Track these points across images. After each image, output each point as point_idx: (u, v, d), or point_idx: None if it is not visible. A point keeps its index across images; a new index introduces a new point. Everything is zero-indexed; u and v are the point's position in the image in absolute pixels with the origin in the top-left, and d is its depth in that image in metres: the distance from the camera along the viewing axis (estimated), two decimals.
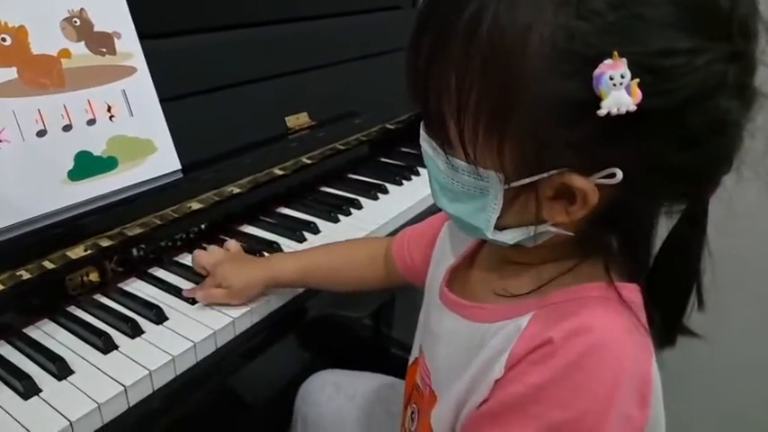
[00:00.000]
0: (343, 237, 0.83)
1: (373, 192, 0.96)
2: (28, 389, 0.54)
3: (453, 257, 0.54)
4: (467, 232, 0.45)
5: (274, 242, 0.81)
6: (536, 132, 0.35)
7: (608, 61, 0.32)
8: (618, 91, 0.32)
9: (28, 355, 0.59)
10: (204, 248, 0.73)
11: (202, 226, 0.82)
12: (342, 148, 1.02)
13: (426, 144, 0.43)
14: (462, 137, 0.38)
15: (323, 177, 1.00)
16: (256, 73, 0.90)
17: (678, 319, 0.43)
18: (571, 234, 0.40)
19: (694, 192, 0.39)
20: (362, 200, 0.94)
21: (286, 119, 0.93)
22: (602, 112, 0.32)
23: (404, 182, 1.02)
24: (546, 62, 0.33)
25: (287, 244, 0.81)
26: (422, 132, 0.43)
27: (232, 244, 0.75)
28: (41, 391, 0.55)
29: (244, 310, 0.67)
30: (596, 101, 0.32)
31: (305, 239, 0.83)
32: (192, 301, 0.68)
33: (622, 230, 0.42)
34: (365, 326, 1.37)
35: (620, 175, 0.35)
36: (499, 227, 0.41)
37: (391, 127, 1.13)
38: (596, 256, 0.42)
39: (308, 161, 0.95)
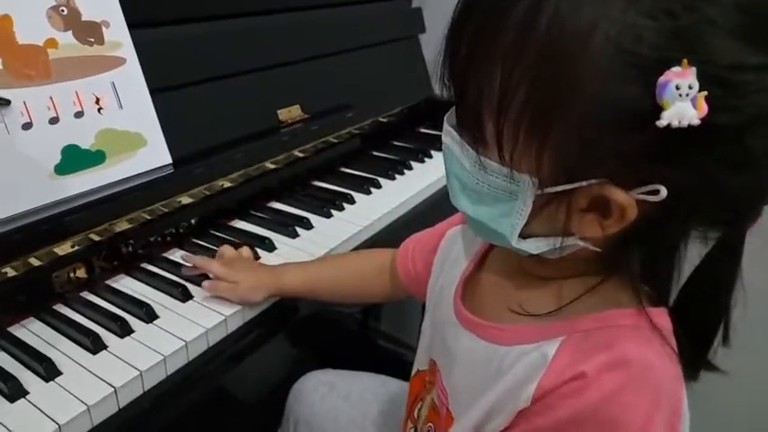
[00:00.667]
0: (336, 232, 0.83)
1: (366, 186, 0.95)
2: (14, 391, 0.53)
3: (461, 265, 0.52)
4: (485, 237, 0.43)
5: (266, 238, 0.79)
6: (583, 138, 0.32)
7: (676, 69, 0.30)
8: (683, 102, 0.29)
9: (14, 356, 0.58)
10: (196, 244, 0.72)
11: (192, 221, 0.80)
12: (334, 141, 1.01)
13: (451, 140, 0.40)
14: (500, 136, 0.35)
15: (315, 171, 0.98)
16: (248, 64, 0.88)
17: (703, 353, 0.40)
18: (598, 250, 0.38)
19: (734, 220, 0.36)
20: (355, 195, 0.93)
21: (278, 111, 0.91)
22: (662, 123, 0.30)
23: (397, 176, 1.01)
24: (608, 62, 0.31)
25: (279, 239, 0.80)
26: (446, 126, 0.40)
27: (246, 250, 0.74)
28: (28, 393, 0.54)
29: (236, 308, 0.66)
30: (657, 110, 0.30)
31: (297, 235, 0.82)
32: (183, 299, 0.67)
33: (648, 251, 0.40)
34: (353, 319, 1.37)
35: (663, 192, 0.33)
36: (523, 234, 0.39)
37: (384, 120, 1.12)
38: (621, 275, 0.40)
39: (301, 155, 0.94)
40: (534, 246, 0.39)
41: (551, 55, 0.32)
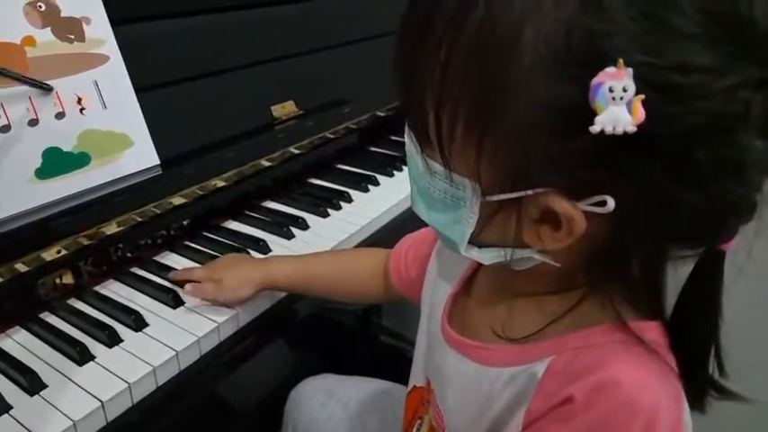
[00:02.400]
0: (333, 232, 0.80)
1: (363, 183, 0.93)
2: None
3: (450, 282, 0.50)
4: (445, 245, 0.42)
5: (261, 239, 0.77)
6: (519, 141, 0.31)
7: (610, 69, 0.27)
8: (617, 106, 0.27)
9: None
10: (188, 246, 0.70)
11: (185, 222, 0.78)
12: (331, 137, 0.98)
13: (409, 141, 0.39)
14: (440, 134, 0.34)
15: (311, 168, 0.96)
16: (239, 59, 0.85)
17: (700, 382, 0.38)
18: (557, 265, 0.36)
19: (703, 238, 0.34)
20: (352, 192, 0.91)
21: (272, 108, 0.89)
22: (595, 129, 0.28)
23: (395, 172, 0.99)
24: (540, 60, 0.29)
25: (274, 241, 0.78)
26: (406, 128, 0.39)
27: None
28: (11, 408, 0.52)
29: (229, 314, 0.64)
30: (591, 114, 0.28)
31: (293, 236, 0.80)
32: (174, 305, 0.65)
33: (625, 271, 0.37)
34: (354, 316, 1.36)
35: (611, 204, 0.31)
36: (478, 243, 0.38)
37: (382, 114, 1.09)
38: (605, 289, 0.38)
39: (296, 151, 0.92)
40: (486, 256, 0.38)
41: (482, 50, 0.31)
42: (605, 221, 0.32)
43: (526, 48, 0.29)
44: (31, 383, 0.53)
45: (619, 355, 0.36)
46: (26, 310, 0.62)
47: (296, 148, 0.91)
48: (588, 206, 0.32)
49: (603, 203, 0.31)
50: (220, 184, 0.80)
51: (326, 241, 0.78)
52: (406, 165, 0.99)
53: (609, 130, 0.27)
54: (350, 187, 0.92)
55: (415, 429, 0.55)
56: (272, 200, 0.89)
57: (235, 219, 0.83)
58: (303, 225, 0.82)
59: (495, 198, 0.34)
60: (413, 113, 0.36)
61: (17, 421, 0.50)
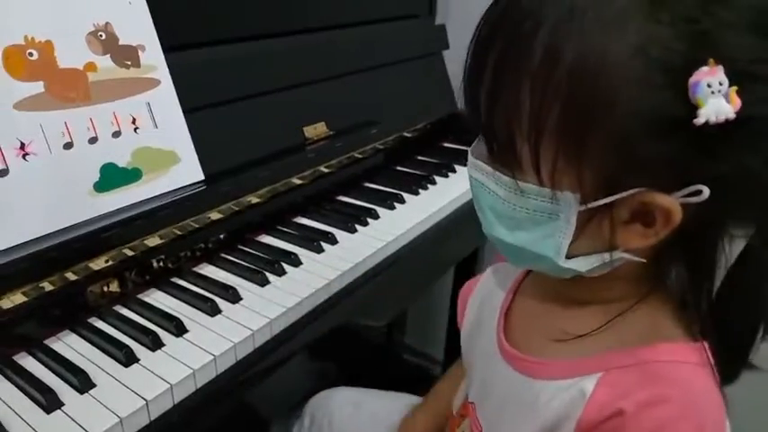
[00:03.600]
0: (361, 247, 0.83)
1: (390, 201, 0.96)
2: (51, 402, 0.55)
3: (499, 299, 0.51)
4: (527, 263, 0.42)
5: (293, 253, 0.81)
6: (621, 149, 0.33)
7: (704, 68, 0.31)
8: (716, 98, 0.31)
9: (50, 368, 0.60)
10: (225, 259, 0.73)
11: (221, 236, 0.82)
12: (359, 157, 1.02)
13: (478, 171, 0.40)
14: (537, 158, 0.35)
15: (340, 187, 1.00)
16: (275, 83, 0.90)
17: (744, 354, 0.40)
18: (643, 261, 0.37)
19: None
20: (379, 210, 0.94)
21: (304, 129, 0.93)
22: (700, 120, 0.31)
23: (420, 191, 1.02)
24: (636, 74, 0.32)
25: (305, 254, 0.81)
26: (471, 159, 0.41)
27: None
28: (63, 404, 0.55)
29: (263, 322, 0.67)
30: (691, 111, 0.31)
31: (323, 250, 0.83)
32: (211, 313, 0.69)
33: (688, 260, 0.39)
34: (378, 333, 1.38)
35: (706, 192, 0.33)
36: (568, 255, 0.39)
37: (408, 135, 1.13)
38: (660, 299, 0.40)
39: (326, 170, 0.96)
40: (582, 264, 0.39)
41: (580, 74, 0.33)
42: (691, 212, 0.34)
43: (621, 67, 0.32)
44: (82, 383, 0.57)
45: (668, 372, 0.37)
46: (76, 316, 0.66)
47: (326, 167, 0.95)
48: (682, 198, 0.34)
49: (698, 192, 0.33)
50: (255, 200, 0.84)
51: (354, 255, 0.81)
52: (431, 184, 1.04)
53: (713, 119, 0.31)
54: (377, 204, 0.95)
55: None
56: (304, 216, 0.92)
57: (268, 233, 0.87)
58: (332, 240, 0.85)
59: (595, 204, 0.35)
60: (498, 143, 0.38)
61: (69, 417, 0.54)
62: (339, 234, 0.86)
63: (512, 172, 0.38)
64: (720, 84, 0.30)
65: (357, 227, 0.89)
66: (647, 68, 0.32)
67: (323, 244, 0.84)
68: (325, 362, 1.17)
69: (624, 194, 0.34)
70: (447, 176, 1.08)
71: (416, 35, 1.21)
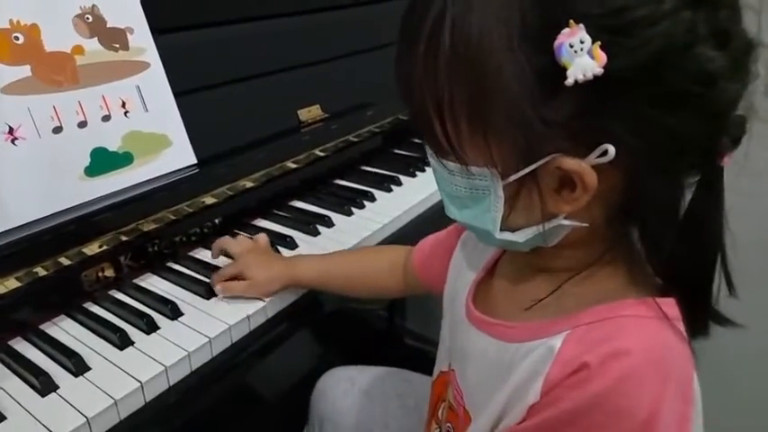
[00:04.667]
0: (358, 230, 0.83)
1: (386, 184, 0.96)
2: (45, 385, 0.55)
3: (474, 270, 0.53)
4: (481, 239, 0.44)
5: (288, 236, 0.80)
6: (516, 118, 0.34)
7: (565, 30, 0.32)
8: (580, 57, 0.31)
9: (45, 352, 0.60)
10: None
11: (216, 221, 0.81)
12: (355, 140, 1.01)
13: (429, 156, 0.42)
14: (448, 137, 0.37)
15: (336, 170, 0.99)
16: (268, 66, 0.89)
17: (706, 302, 0.40)
18: (585, 225, 0.39)
19: (703, 158, 0.36)
20: (376, 192, 0.93)
21: (298, 112, 0.92)
22: (570, 81, 0.32)
23: (417, 173, 1.02)
24: (508, 44, 0.33)
25: (301, 237, 0.81)
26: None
27: (262, 237, 0.75)
28: (58, 387, 0.55)
29: (259, 305, 0.68)
30: (563, 71, 0.32)
31: (318, 233, 0.83)
32: (207, 297, 0.69)
33: (644, 219, 0.39)
34: (378, 317, 1.38)
35: (611, 150, 0.34)
36: (510, 228, 0.41)
37: (404, 117, 1.12)
38: (622, 260, 0.41)
39: (321, 154, 0.95)
40: (520, 236, 0.41)
41: (458, 55, 0.35)
42: (617, 171, 0.36)
43: (494, 38, 0.34)
44: (76, 366, 0.57)
45: (632, 326, 0.38)
46: (71, 301, 0.67)
47: (321, 151, 0.95)
48: (594, 159, 0.35)
49: (606, 153, 0.34)
50: (249, 184, 0.84)
51: (351, 238, 0.81)
52: (427, 166, 1.03)
53: (580, 78, 0.32)
54: (373, 187, 0.95)
55: (440, 412, 0.57)
56: (300, 199, 0.92)
57: (264, 217, 0.87)
58: (329, 223, 0.85)
59: (513, 178, 0.37)
60: (420, 126, 0.40)
61: (64, 399, 0.54)
62: (335, 217, 0.86)
63: (437, 152, 0.40)
64: (582, 42, 0.31)
65: (353, 209, 0.89)
66: (515, 37, 0.33)
67: (319, 227, 0.83)
68: (325, 346, 1.17)
69: (537, 164, 0.36)
70: None
71: None
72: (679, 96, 0.33)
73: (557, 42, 0.32)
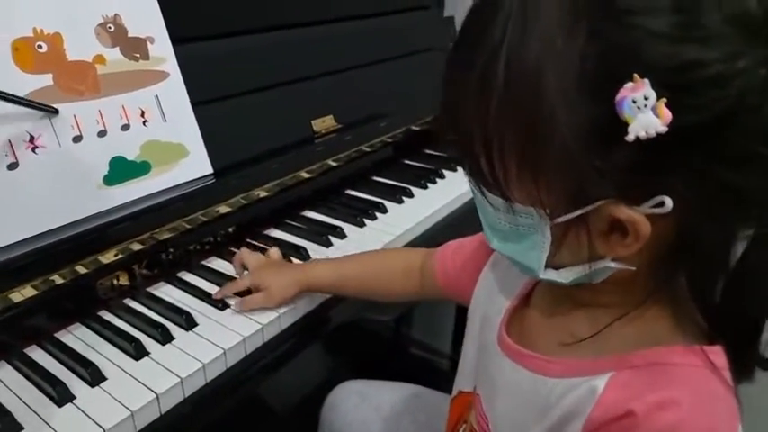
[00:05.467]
0: (370, 241, 0.83)
1: (398, 195, 0.96)
2: (62, 395, 0.55)
3: (508, 296, 0.51)
4: (523, 272, 0.43)
5: (302, 247, 0.80)
6: (570, 165, 0.33)
7: (629, 84, 0.30)
8: (643, 114, 0.30)
9: (61, 361, 0.60)
10: (233, 252, 0.73)
11: (230, 230, 0.81)
12: (367, 150, 1.01)
13: (470, 184, 0.41)
14: (494, 175, 0.37)
15: (349, 180, 0.99)
16: (283, 76, 0.89)
17: (754, 350, 0.39)
18: (633, 269, 0.37)
19: (761, 212, 0.35)
20: (388, 204, 0.93)
21: (312, 122, 0.93)
22: (630, 137, 0.30)
23: (429, 185, 1.02)
24: (566, 93, 0.32)
25: (314, 248, 0.81)
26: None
27: (274, 251, 0.75)
28: (75, 397, 0.55)
29: (272, 316, 0.67)
30: (624, 126, 0.31)
31: (331, 244, 0.83)
32: (221, 307, 0.68)
33: (692, 267, 0.38)
34: (386, 327, 1.38)
35: (668, 203, 0.33)
36: (555, 265, 0.40)
37: (416, 128, 1.12)
38: (670, 303, 0.40)
39: (334, 164, 0.95)
40: (564, 275, 0.40)
41: (512, 100, 0.34)
42: (672, 220, 0.34)
43: (551, 85, 0.32)
44: (93, 376, 0.57)
45: (681, 375, 0.37)
46: (86, 309, 0.67)
47: (334, 161, 0.95)
48: (649, 209, 0.34)
49: (662, 204, 0.33)
50: (263, 194, 0.84)
51: (362, 249, 0.81)
52: (439, 177, 1.03)
53: (643, 135, 0.30)
54: (385, 199, 0.95)
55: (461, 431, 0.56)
56: (312, 209, 0.92)
57: (277, 227, 0.87)
58: (341, 234, 0.85)
59: (561, 220, 0.36)
60: (463, 153, 0.39)
61: (81, 410, 0.54)
62: (347, 228, 0.86)
63: (480, 187, 0.39)
64: (646, 98, 0.30)
65: (365, 221, 0.89)
66: (574, 86, 0.32)
67: (331, 238, 0.83)
68: (334, 356, 1.17)
69: (588, 208, 0.35)
70: (456, 170, 1.07)
71: (425, 27, 1.20)
72: (740, 155, 0.32)
73: (618, 96, 0.30)
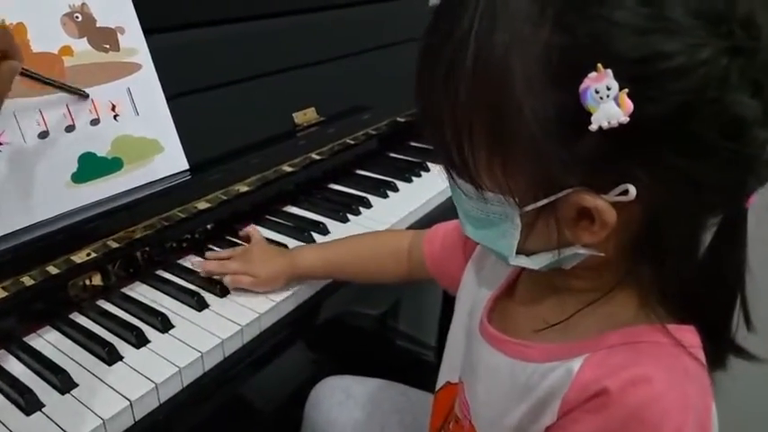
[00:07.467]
0: None
1: (383, 189, 0.94)
2: (30, 404, 0.53)
3: (493, 285, 0.52)
4: (496, 258, 0.44)
5: (283, 244, 0.78)
6: (537, 154, 0.34)
7: (592, 74, 0.31)
8: (606, 104, 0.30)
9: (30, 367, 0.58)
10: (212, 250, 0.72)
11: (209, 226, 0.79)
12: (351, 143, 1.00)
13: (444, 173, 0.42)
14: (465, 163, 0.37)
15: (332, 174, 0.97)
16: (263, 67, 0.87)
17: (724, 337, 0.40)
18: (602, 255, 0.38)
19: (727, 201, 0.36)
20: (372, 198, 0.92)
21: (294, 115, 0.90)
22: (593, 127, 0.31)
23: (414, 178, 1.00)
24: (532, 82, 0.33)
25: (295, 245, 0.79)
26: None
27: (255, 233, 0.77)
28: (44, 405, 0.53)
29: (252, 317, 0.66)
30: (588, 116, 0.31)
31: (313, 240, 0.81)
32: (199, 308, 0.66)
33: (662, 256, 0.39)
34: (372, 320, 1.37)
35: (632, 191, 0.33)
36: (526, 252, 0.40)
37: (401, 120, 1.10)
38: (640, 280, 0.40)
39: (317, 157, 0.93)
40: (535, 261, 0.40)
41: (481, 86, 0.34)
42: (638, 208, 0.35)
43: (518, 75, 0.33)
44: (63, 382, 0.55)
45: (653, 353, 0.38)
46: (56, 311, 0.64)
47: (317, 154, 0.93)
48: (614, 197, 0.34)
49: (627, 192, 0.34)
50: (244, 189, 0.81)
51: None
52: (424, 171, 1.01)
53: (605, 125, 0.31)
54: (369, 193, 0.93)
55: (450, 425, 0.56)
56: (294, 205, 0.90)
57: (257, 223, 0.85)
58: (323, 230, 0.83)
59: (530, 207, 0.37)
60: (435, 142, 0.39)
61: (50, 419, 0.52)
62: (330, 224, 0.84)
63: (454, 174, 0.39)
64: (608, 88, 0.30)
65: (349, 216, 0.87)
66: (540, 76, 0.32)
67: (314, 234, 0.82)
68: (319, 350, 1.16)
69: (556, 197, 0.35)
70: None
71: (409, 17, 1.18)
72: (703, 146, 0.32)
73: (582, 86, 0.31)
